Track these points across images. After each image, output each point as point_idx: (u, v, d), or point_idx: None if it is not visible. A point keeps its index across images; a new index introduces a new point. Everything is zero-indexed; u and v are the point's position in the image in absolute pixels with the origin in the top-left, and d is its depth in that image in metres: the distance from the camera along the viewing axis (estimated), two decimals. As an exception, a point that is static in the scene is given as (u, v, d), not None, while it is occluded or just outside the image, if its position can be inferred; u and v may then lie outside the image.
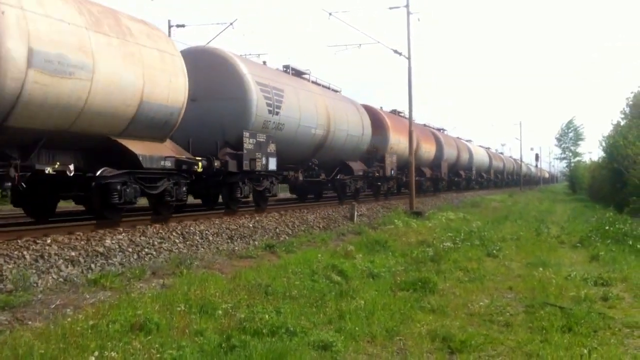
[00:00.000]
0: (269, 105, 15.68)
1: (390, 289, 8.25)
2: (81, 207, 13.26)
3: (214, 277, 8.09)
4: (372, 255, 11.22)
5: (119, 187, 10.69)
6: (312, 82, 20.33)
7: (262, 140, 15.08)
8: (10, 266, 7.58)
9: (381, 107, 28.39)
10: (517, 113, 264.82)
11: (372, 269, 9.55)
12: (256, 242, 12.13)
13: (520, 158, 76.62)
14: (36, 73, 8.64)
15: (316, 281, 8.32)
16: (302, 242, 12.68)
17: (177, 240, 10.83)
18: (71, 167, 9.96)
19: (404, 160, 25.89)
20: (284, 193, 23.80)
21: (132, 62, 10.69)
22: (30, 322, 5.80)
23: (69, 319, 5.62)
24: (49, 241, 8.88)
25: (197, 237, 11.41)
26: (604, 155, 37.45)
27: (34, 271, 7.63)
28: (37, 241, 8.83)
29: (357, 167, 22.74)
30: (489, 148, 63.03)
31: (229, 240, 11.96)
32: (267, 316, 6.10)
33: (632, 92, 37.02)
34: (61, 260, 8.23)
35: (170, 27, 25.59)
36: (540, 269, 10.01)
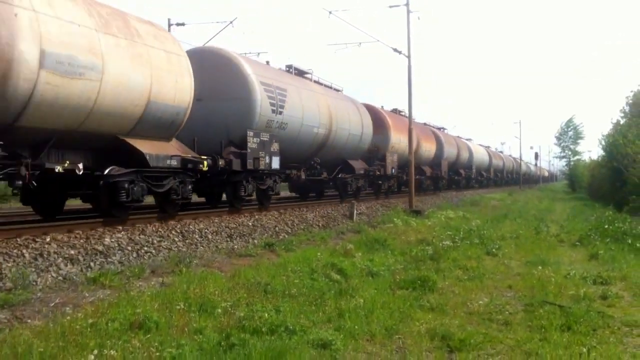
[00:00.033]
0: (272, 104, 15.83)
1: (390, 288, 8.25)
2: (88, 205, 13.41)
3: (214, 276, 8.09)
4: (372, 253, 11.23)
5: (126, 185, 10.86)
6: (315, 81, 20.48)
7: (265, 139, 15.25)
8: (9, 264, 7.59)
9: (382, 106, 28.44)
10: (517, 112, 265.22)
11: (371, 268, 9.55)
12: (255, 241, 12.13)
13: (520, 157, 76.71)
14: (47, 74, 8.79)
15: (315, 280, 8.33)
16: (302, 240, 12.68)
17: (176, 239, 10.83)
18: (80, 165, 10.11)
19: (405, 159, 25.95)
20: (283, 192, 23.82)
21: (140, 62, 10.85)
22: (29, 321, 5.80)
23: (68, 318, 5.63)
24: (48, 239, 8.89)
25: (197, 236, 11.41)
26: (603, 154, 37.49)
27: (33, 269, 7.63)
28: (37, 239, 8.83)
29: (359, 165, 22.90)
30: (488, 147, 63.06)
31: (229, 239, 11.96)
32: (266, 315, 6.11)
33: (631, 91, 37.03)
34: (60, 259, 8.23)
35: (170, 25, 25.52)
36: (540, 267, 10.02)
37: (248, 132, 14.56)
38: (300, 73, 19.68)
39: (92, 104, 9.74)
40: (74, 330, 5.25)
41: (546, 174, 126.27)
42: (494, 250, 12.18)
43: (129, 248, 9.56)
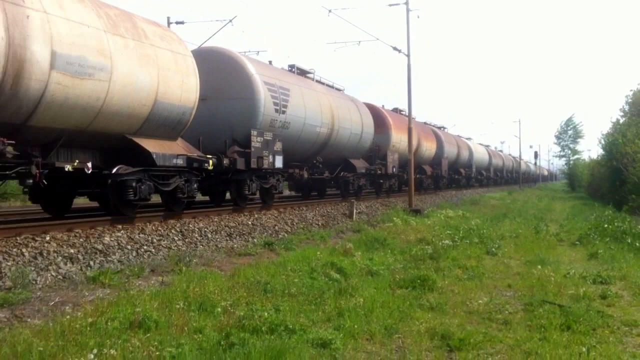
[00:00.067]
0: (275, 104, 15.94)
1: (389, 287, 8.25)
2: (89, 204, 13.50)
3: (213, 275, 8.09)
4: (371, 252, 11.23)
5: (134, 184, 11.00)
6: (317, 81, 20.61)
7: (269, 138, 15.37)
8: (9, 263, 7.58)
9: (383, 106, 28.51)
10: (517, 110, 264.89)
11: (371, 267, 9.56)
12: (255, 240, 12.14)
13: (520, 156, 76.66)
14: (58, 75, 8.95)
15: (315, 279, 8.33)
16: (301, 239, 12.69)
17: (176, 238, 10.83)
18: (89, 164, 10.26)
19: (406, 158, 26.04)
20: (284, 190, 23.89)
21: (147, 63, 11.00)
22: (29, 320, 5.81)
23: (68, 317, 5.62)
24: (47, 238, 8.88)
25: (196, 235, 11.41)
26: (603, 153, 37.51)
27: (33, 268, 7.63)
28: (36, 238, 8.83)
29: (360, 164, 23.04)
30: (488, 146, 63.09)
31: (228, 238, 11.96)
32: (266, 314, 6.11)
33: (631, 90, 37.14)
34: (60, 258, 8.23)
35: (169, 24, 25.48)
36: (539, 267, 10.02)
37: (252, 132, 14.69)
38: (303, 73, 19.78)
39: (101, 104, 9.90)
40: (74, 329, 5.25)
41: (546, 173, 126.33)
42: (493, 249, 12.18)
43: (129, 247, 9.56)
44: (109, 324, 5.47)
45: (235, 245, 11.41)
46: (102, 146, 10.96)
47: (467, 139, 50.26)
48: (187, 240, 10.95)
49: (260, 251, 10.88)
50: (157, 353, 4.89)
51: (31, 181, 9.15)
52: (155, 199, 13.58)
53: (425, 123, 37.22)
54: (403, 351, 5.61)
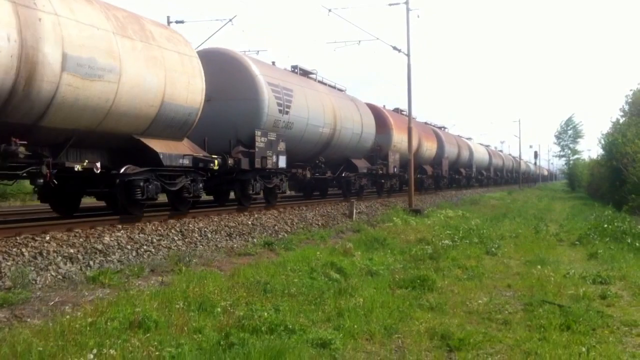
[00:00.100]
0: (279, 105, 16.07)
1: (389, 287, 8.25)
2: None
3: (213, 275, 8.09)
4: (371, 252, 11.23)
5: (141, 183, 11.13)
6: (319, 81, 20.75)
7: (272, 138, 15.51)
8: (8, 263, 7.58)
9: (384, 106, 28.60)
10: (517, 110, 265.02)
11: (370, 267, 9.56)
12: (255, 240, 12.14)
13: (520, 156, 76.66)
14: (69, 76, 9.09)
15: (315, 279, 8.33)
16: (301, 239, 12.69)
17: (175, 238, 10.83)
18: (98, 164, 10.39)
19: (407, 158, 26.13)
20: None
21: (154, 64, 11.14)
22: (28, 320, 5.81)
23: (68, 317, 5.62)
24: (47, 238, 8.87)
25: (196, 235, 11.41)
26: (603, 152, 37.52)
27: (33, 268, 7.63)
28: (36, 238, 8.82)
29: (362, 164, 23.18)
30: (488, 146, 63.10)
31: (228, 238, 11.96)
32: (265, 314, 6.11)
33: (631, 90, 37.14)
34: (60, 258, 8.23)
35: (169, 23, 25.46)
36: (539, 267, 10.02)
37: (256, 132, 14.83)
38: (305, 73, 19.94)
39: (110, 105, 10.05)
40: (74, 329, 5.25)
41: (545, 173, 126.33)
42: (493, 249, 12.18)
43: (129, 247, 9.56)
44: (108, 324, 5.47)
45: (235, 245, 11.41)
46: (111, 146, 11.12)
47: (467, 139, 50.28)
48: (186, 240, 10.95)
49: (260, 251, 10.88)
50: (157, 353, 4.89)
51: (42, 181, 9.31)
52: (161, 198, 13.66)
53: (426, 123, 37.27)
54: (403, 351, 5.61)
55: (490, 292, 8.35)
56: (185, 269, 8.38)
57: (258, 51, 20.14)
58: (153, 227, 11.01)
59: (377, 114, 25.77)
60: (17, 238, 8.73)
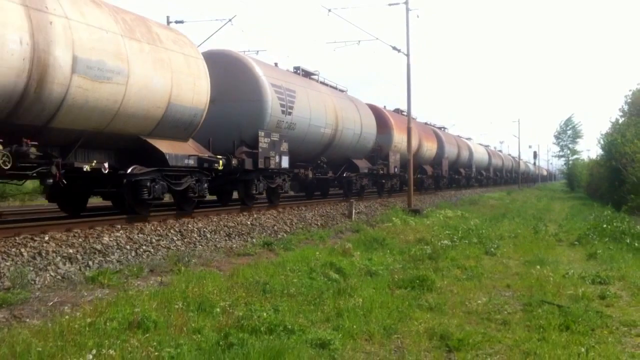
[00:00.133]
0: (282, 105, 16.20)
1: (388, 287, 8.25)
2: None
3: (212, 275, 8.09)
4: (370, 253, 11.23)
5: (148, 183, 11.26)
6: (321, 82, 20.89)
7: (275, 139, 15.65)
8: (7, 263, 7.58)
9: (385, 106, 28.66)
10: (516, 110, 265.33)
11: (370, 267, 9.56)
12: (254, 240, 12.13)
13: (519, 156, 76.67)
14: (79, 78, 9.26)
15: (314, 279, 8.33)
16: (300, 239, 12.69)
17: (175, 238, 10.83)
18: (106, 165, 10.52)
19: (407, 158, 26.19)
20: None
21: (161, 66, 11.29)
22: (27, 320, 5.80)
23: (67, 317, 5.62)
24: (46, 238, 8.87)
25: (195, 235, 11.40)
26: (602, 153, 37.52)
27: (32, 268, 7.62)
28: (35, 238, 8.82)
29: (363, 165, 23.30)
30: (488, 146, 63.13)
31: (227, 238, 11.96)
32: (264, 314, 6.11)
33: (630, 90, 37.17)
34: (59, 258, 8.22)
35: (169, 23, 25.46)
36: (538, 267, 10.01)
37: (259, 133, 14.97)
38: (307, 74, 20.09)
39: (118, 106, 10.20)
40: (73, 329, 5.25)
41: (545, 173, 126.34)
42: (492, 249, 12.18)
43: (128, 247, 9.56)
44: (107, 324, 5.47)
45: (234, 245, 11.41)
46: (118, 147, 11.26)
47: (467, 139, 50.31)
48: (186, 240, 10.94)
49: (259, 251, 10.88)
50: (156, 353, 4.89)
51: (51, 181, 9.44)
52: (165, 198, 13.71)
53: (426, 123, 37.32)
54: (402, 351, 5.61)
55: (490, 292, 8.35)
56: (185, 269, 8.38)
57: (258, 51, 20.22)
58: (152, 227, 11.00)
59: (378, 114, 25.91)
60: (16, 238, 8.72)
